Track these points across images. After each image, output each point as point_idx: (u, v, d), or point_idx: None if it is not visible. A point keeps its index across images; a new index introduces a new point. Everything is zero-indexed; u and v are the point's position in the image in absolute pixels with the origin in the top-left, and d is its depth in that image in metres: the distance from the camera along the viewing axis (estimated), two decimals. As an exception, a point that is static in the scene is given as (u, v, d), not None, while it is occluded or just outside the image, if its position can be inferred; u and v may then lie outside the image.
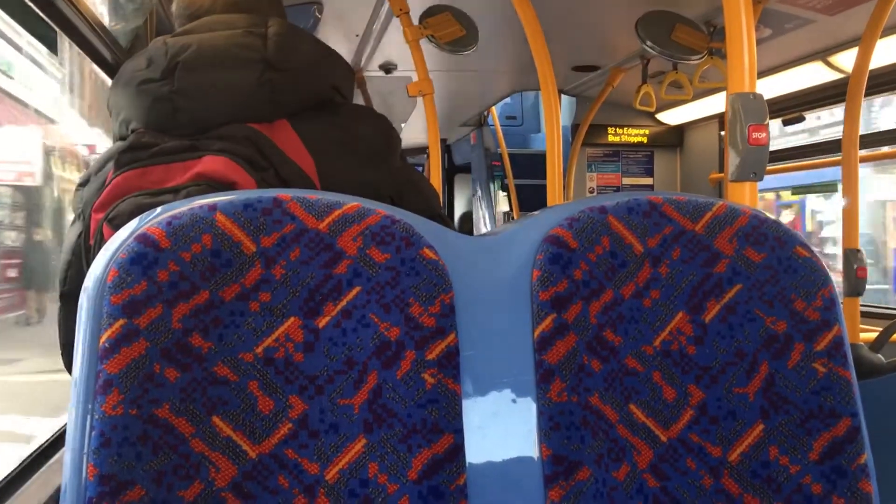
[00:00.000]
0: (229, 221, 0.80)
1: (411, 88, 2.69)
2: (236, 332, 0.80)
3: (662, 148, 4.76)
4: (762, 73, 3.28)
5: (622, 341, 0.87)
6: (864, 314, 2.89)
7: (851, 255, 2.62)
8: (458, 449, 0.80)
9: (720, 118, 4.26)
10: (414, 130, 5.51)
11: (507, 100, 5.51)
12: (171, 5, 1.36)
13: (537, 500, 0.80)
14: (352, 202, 0.84)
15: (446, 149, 6.84)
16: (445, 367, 0.81)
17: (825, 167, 3.72)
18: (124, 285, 0.76)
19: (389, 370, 0.80)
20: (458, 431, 0.80)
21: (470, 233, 4.44)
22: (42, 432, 1.84)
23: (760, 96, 1.32)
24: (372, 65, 3.80)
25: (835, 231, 7.85)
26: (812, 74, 3.26)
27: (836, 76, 3.17)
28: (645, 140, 4.73)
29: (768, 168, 1.33)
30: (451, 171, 7.11)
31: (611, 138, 4.73)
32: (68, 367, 1.13)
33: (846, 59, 2.97)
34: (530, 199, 5.13)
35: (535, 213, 0.93)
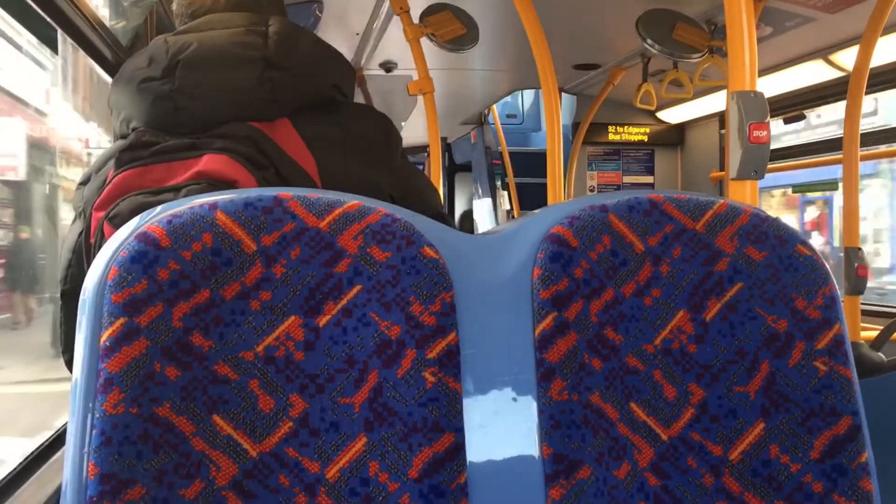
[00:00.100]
0: (230, 220, 0.80)
1: (412, 87, 2.70)
2: (237, 331, 0.80)
3: (663, 146, 4.76)
4: (763, 72, 3.28)
5: (623, 340, 0.87)
6: (865, 313, 2.89)
7: (852, 254, 2.62)
8: (459, 448, 0.80)
9: (721, 116, 4.25)
10: (414, 129, 5.50)
11: (508, 98, 5.51)
12: (171, 4, 1.36)
13: (538, 498, 0.80)
14: (352, 201, 0.84)
15: (447, 147, 6.84)
16: (446, 365, 0.81)
17: (826, 165, 3.72)
18: (125, 284, 0.76)
19: (390, 369, 0.80)
20: (459, 430, 0.80)
21: (470, 231, 4.44)
22: (9, 457, 1.67)
23: (761, 94, 1.31)
24: (372, 63, 3.80)
25: (867, 228, 7.69)
26: (813, 73, 3.26)
27: (837, 74, 3.17)
28: (645, 138, 4.73)
29: (769, 166, 1.33)
30: (452, 170, 7.10)
31: (611, 137, 4.73)
32: (69, 365, 1.13)
33: (847, 58, 2.97)
34: (531, 197, 5.13)
35: (536, 211, 0.93)
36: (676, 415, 0.87)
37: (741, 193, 1.33)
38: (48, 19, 1.68)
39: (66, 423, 0.77)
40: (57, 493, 1.42)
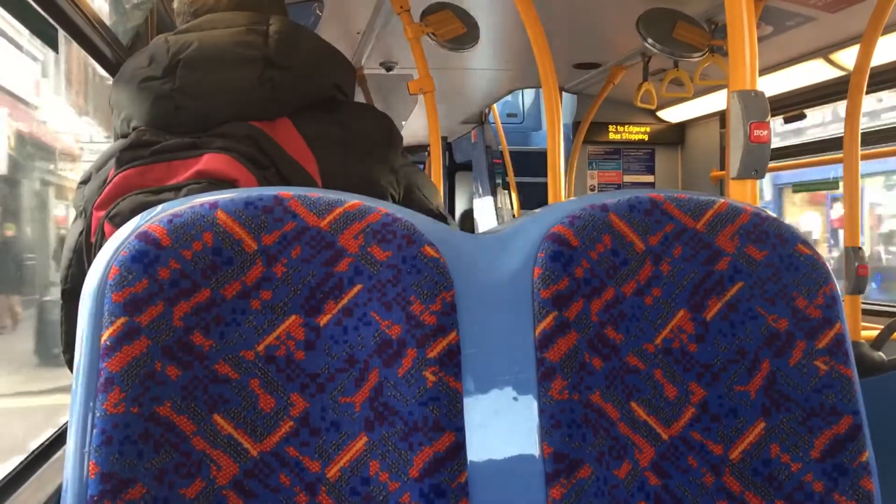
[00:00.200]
0: (230, 219, 0.80)
1: (412, 86, 2.69)
2: (237, 330, 0.80)
3: (663, 145, 4.76)
4: (763, 71, 3.28)
5: (623, 339, 0.87)
6: (866, 312, 2.89)
7: (853, 253, 2.62)
8: (460, 447, 0.80)
9: (721, 116, 4.25)
10: (415, 128, 5.50)
11: (508, 97, 5.50)
12: (172, 3, 1.35)
13: (538, 498, 0.80)
14: (353, 200, 0.84)
15: (447, 147, 6.84)
16: (447, 364, 0.81)
17: (827, 164, 3.72)
18: (125, 283, 0.76)
19: (391, 368, 0.80)
20: (460, 429, 0.80)
21: (471, 231, 4.44)
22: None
23: (762, 94, 1.31)
24: (373, 62, 3.80)
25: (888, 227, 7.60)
26: (813, 72, 3.26)
27: (838, 73, 3.16)
28: (646, 138, 4.73)
29: (770, 165, 1.33)
30: (452, 169, 7.10)
31: (612, 136, 4.72)
32: (70, 364, 1.13)
33: (847, 57, 2.97)
34: (531, 196, 5.13)
35: (537, 210, 0.93)
36: (677, 414, 0.87)
37: (742, 193, 1.33)
38: (49, 19, 1.68)
39: (66, 423, 0.77)
40: (57, 493, 1.43)
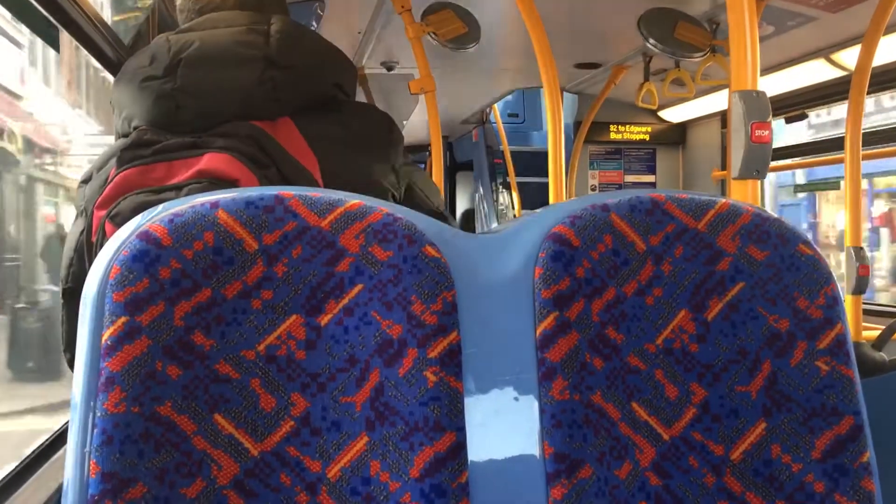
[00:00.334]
0: (231, 219, 0.80)
1: (413, 86, 2.70)
2: (238, 330, 0.80)
3: (665, 145, 4.76)
4: (765, 71, 3.27)
5: (624, 339, 0.86)
6: (867, 312, 2.89)
7: (854, 253, 2.62)
8: (460, 447, 0.80)
9: (723, 116, 4.25)
10: (416, 128, 5.50)
11: (509, 97, 5.50)
12: (173, 1, 1.35)
13: (539, 498, 0.80)
14: (354, 200, 0.84)
15: (448, 146, 6.84)
16: (447, 364, 0.81)
17: (828, 164, 3.71)
18: (126, 283, 0.76)
19: (391, 368, 0.80)
20: (461, 429, 0.80)
21: (472, 230, 4.43)
22: None
23: (763, 94, 1.31)
24: (374, 62, 3.80)
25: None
26: (815, 72, 3.26)
27: (839, 74, 3.16)
28: (647, 137, 4.73)
29: (771, 165, 1.33)
30: (453, 169, 7.10)
31: (613, 136, 4.72)
32: (71, 364, 1.13)
33: (849, 57, 2.97)
34: (532, 196, 5.13)
35: (538, 210, 0.93)
36: (678, 414, 0.87)
37: (743, 193, 1.33)
38: (50, 18, 1.68)
39: (67, 422, 0.77)
40: (58, 492, 1.43)
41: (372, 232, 0.82)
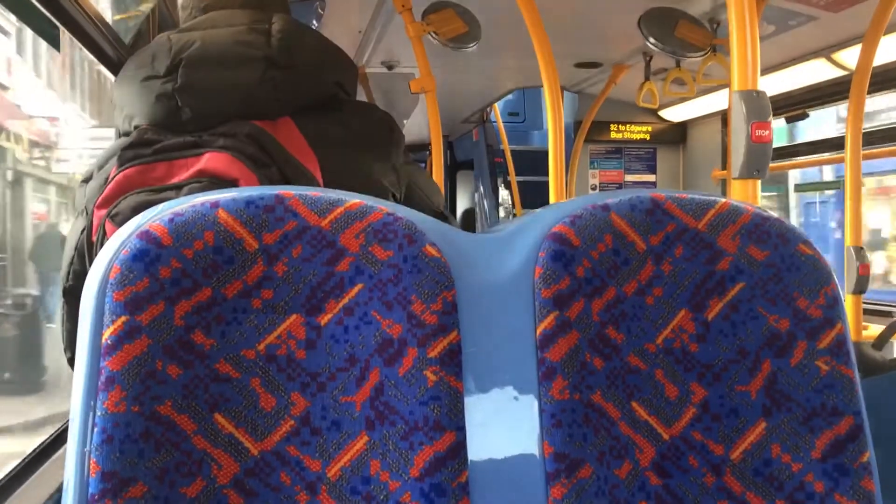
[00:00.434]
0: (231, 218, 0.80)
1: (413, 85, 2.70)
2: (238, 330, 0.80)
3: (665, 145, 4.76)
4: (765, 71, 3.27)
5: (624, 339, 0.86)
6: (867, 312, 2.89)
7: (854, 253, 2.62)
8: (460, 446, 0.80)
9: (723, 115, 4.25)
10: (416, 127, 5.50)
11: (510, 96, 5.50)
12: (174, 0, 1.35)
13: (539, 497, 0.80)
14: (354, 199, 0.84)
15: (448, 145, 6.84)
16: (447, 364, 0.81)
17: (828, 164, 3.71)
18: (126, 282, 0.76)
19: (391, 367, 0.80)
20: (461, 429, 0.80)
21: (472, 230, 4.44)
22: None
23: (764, 93, 1.32)
24: (374, 61, 3.80)
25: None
26: (815, 71, 3.26)
27: (840, 73, 3.16)
28: (648, 137, 4.73)
29: (772, 165, 1.33)
30: (454, 168, 7.10)
31: (613, 135, 4.73)
32: (71, 363, 1.13)
33: (849, 57, 2.97)
34: (533, 196, 5.13)
35: (538, 210, 0.93)
36: (678, 414, 0.87)
37: (743, 192, 1.33)
38: (51, 17, 1.68)
39: (67, 422, 0.77)
40: (58, 491, 1.43)
41: (372, 231, 0.82)
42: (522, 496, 0.81)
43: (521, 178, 5.40)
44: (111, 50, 1.99)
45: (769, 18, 2.81)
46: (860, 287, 2.61)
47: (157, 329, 0.76)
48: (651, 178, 4.79)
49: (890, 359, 2.20)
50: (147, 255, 0.77)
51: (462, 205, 7.27)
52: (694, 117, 4.51)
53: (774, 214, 0.91)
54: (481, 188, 6.13)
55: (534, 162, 5.02)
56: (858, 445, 0.85)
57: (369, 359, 0.81)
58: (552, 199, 2.43)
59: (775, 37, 2.97)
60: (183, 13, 1.28)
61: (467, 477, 0.79)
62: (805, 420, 0.86)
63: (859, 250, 2.61)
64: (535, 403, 0.82)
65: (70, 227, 1.23)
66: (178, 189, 1.05)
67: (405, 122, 5.39)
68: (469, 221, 6.58)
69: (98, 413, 0.73)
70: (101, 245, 1.05)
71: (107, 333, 0.75)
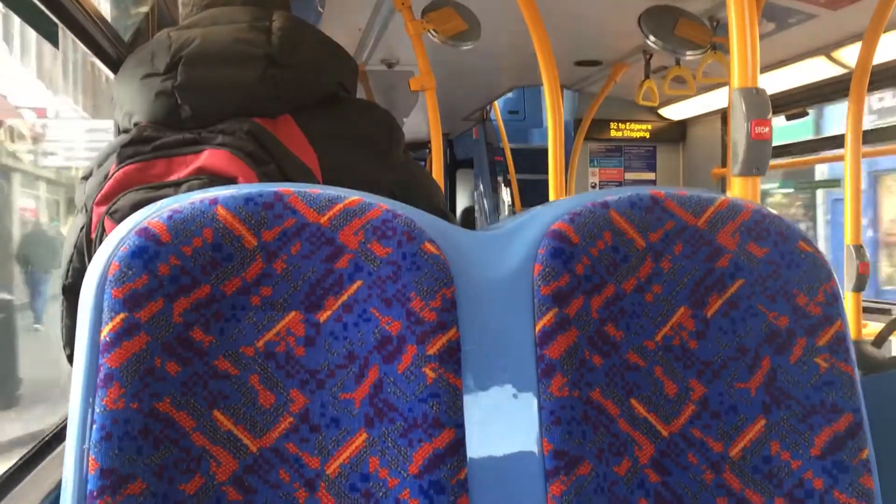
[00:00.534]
0: (230, 215, 0.80)
1: (413, 83, 2.69)
2: (237, 326, 0.80)
3: (665, 143, 4.76)
4: (765, 69, 3.27)
5: (624, 336, 0.86)
6: (867, 310, 2.89)
7: (854, 251, 2.62)
8: (459, 443, 0.80)
9: (723, 113, 4.25)
10: (416, 125, 5.50)
11: (510, 94, 5.50)
12: (173, -2, 1.35)
13: (538, 494, 0.80)
14: (353, 196, 0.84)
15: (448, 144, 6.83)
16: (446, 361, 0.81)
17: (829, 162, 3.71)
18: (125, 279, 0.76)
19: (390, 364, 0.80)
20: (459, 426, 0.80)
21: (472, 227, 4.44)
22: None
23: (763, 91, 1.31)
24: (374, 59, 3.80)
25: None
26: (815, 69, 3.26)
27: (840, 71, 3.16)
28: (647, 135, 4.73)
29: (771, 163, 1.33)
30: (454, 166, 7.10)
31: (613, 133, 4.73)
32: (71, 360, 1.13)
33: (849, 55, 2.97)
34: (532, 193, 5.13)
35: (537, 207, 0.93)
36: (677, 411, 0.87)
37: (743, 190, 1.33)
38: (49, 14, 1.68)
39: (66, 419, 0.77)
40: (57, 488, 1.43)
41: (371, 228, 0.82)
42: (521, 493, 0.81)
43: (520, 177, 5.40)
44: (110, 48, 1.99)
45: (769, 16, 2.81)
46: (860, 285, 2.61)
47: (156, 326, 0.76)
48: (651, 176, 4.79)
49: (889, 356, 2.20)
50: (146, 252, 0.77)
51: (462, 203, 7.27)
52: (693, 115, 4.51)
53: (774, 212, 0.91)
54: (481, 186, 6.13)
55: (534, 160, 5.02)
56: (858, 442, 0.85)
57: (368, 356, 0.81)
58: (552, 197, 2.43)
59: (775, 35, 2.97)
60: (184, 10, 1.27)
61: (466, 474, 0.79)
62: (804, 417, 0.86)
63: (859, 248, 2.62)
64: (535, 400, 0.82)
65: (69, 225, 1.23)
66: (177, 186, 1.05)
67: (405, 120, 5.39)
68: (469, 219, 6.58)
69: (97, 410, 0.73)
70: (101, 242, 1.05)
71: (105, 330, 0.75)
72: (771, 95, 1.33)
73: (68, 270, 1.17)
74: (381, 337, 0.81)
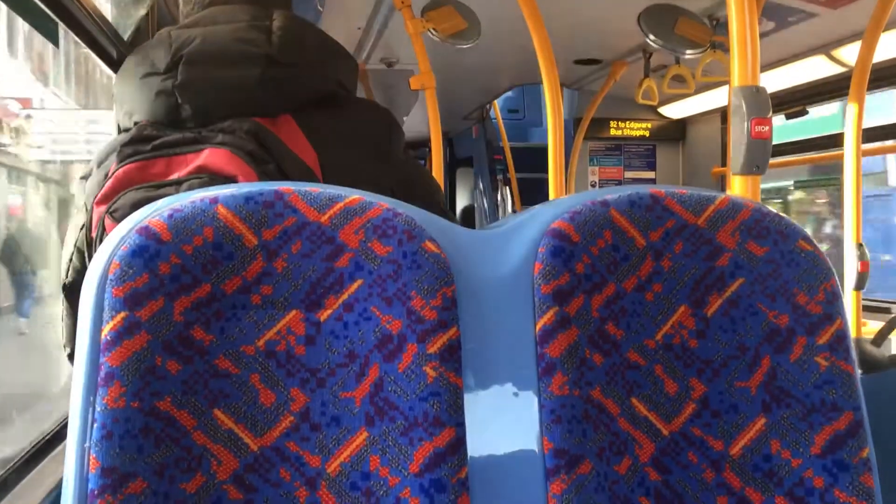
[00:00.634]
0: (231, 214, 0.80)
1: (413, 82, 2.69)
2: (238, 325, 0.80)
3: (665, 142, 4.76)
4: (765, 67, 3.27)
5: (624, 335, 0.87)
6: (867, 308, 2.89)
7: (854, 250, 2.62)
8: (460, 442, 0.80)
9: (723, 112, 4.25)
10: (416, 124, 5.50)
11: (510, 93, 5.51)
12: (173, -3, 1.35)
13: (538, 493, 0.80)
14: (353, 195, 0.84)
15: (448, 142, 6.84)
16: (447, 360, 0.81)
17: (828, 161, 3.72)
18: (126, 278, 0.76)
19: (391, 363, 0.80)
20: (460, 425, 0.80)
21: (472, 226, 4.44)
22: None
23: (763, 90, 1.31)
24: (374, 58, 3.80)
25: None
26: (815, 68, 3.26)
27: (840, 70, 3.16)
28: (647, 134, 4.73)
29: (770, 162, 1.33)
30: (453, 165, 7.10)
31: (613, 132, 4.73)
32: (71, 359, 1.13)
33: (849, 53, 2.97)
34: (532, 192, 5.13)
35: (537, 206, 0.93)
36: (677, 410, 0.87)
37: (743, 189, 1.33)
38: (49, 13, 1.68)
39: (66, 417, 0.77)
40: (58, 487, 1.43)
41: (371, 227, 0.82)
42: (522, 492, 0.81)
43: (520, 175, 5.41)
44: (110, 46, 1.99)
45: (769, 15, 2.81)
46: (860, 283, 2.61)
47: (157, 325, 0.76)
48: (650, 174, 4.79)
49: (889, 355, 2.20)
50: (146, 251, 0.77)
51: (462, 202, 7.27)
52: (693, 114, 4.51)
53: (774, 210, 0.91)
54: (481, 185, 6.13)
55: (533, 159, 5.02)
56: (858, 441, 0.85)
57: (369, 354, 0.81)
58: (552, 196, 2.43)
59: (775, 33, 2.97)
60: (185, 7, 1.27)
61: (467, 473, 0.79)
62: (804, 416, 0.86)
63: (859, 247, 2.62)
64: (535, 399, 0.82)
65: (69, 224, 1.23)
66: (177, 185, 1.05)
67: (405, 118, 5.40)
68: (469, 218, 6.58)
69: (97, 409, 0.73)
70: (101, 241, 1.05)
71: (106, 329, 0.75)
72: (770, 94, 1.33)
73: (68, 269, 1.17)
74: (382, 336, 0.81)
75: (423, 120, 3.51)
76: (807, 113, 3.67)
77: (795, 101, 3.60)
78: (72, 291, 1.17)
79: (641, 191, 0.89)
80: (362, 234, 0.82)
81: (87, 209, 1.13)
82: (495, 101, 5.44)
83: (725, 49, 2.68)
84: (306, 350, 0.81)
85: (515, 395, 0.83)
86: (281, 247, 0.81)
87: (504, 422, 0.82)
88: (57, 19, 1.72)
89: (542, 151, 2.52)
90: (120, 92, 1.19)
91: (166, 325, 0.77)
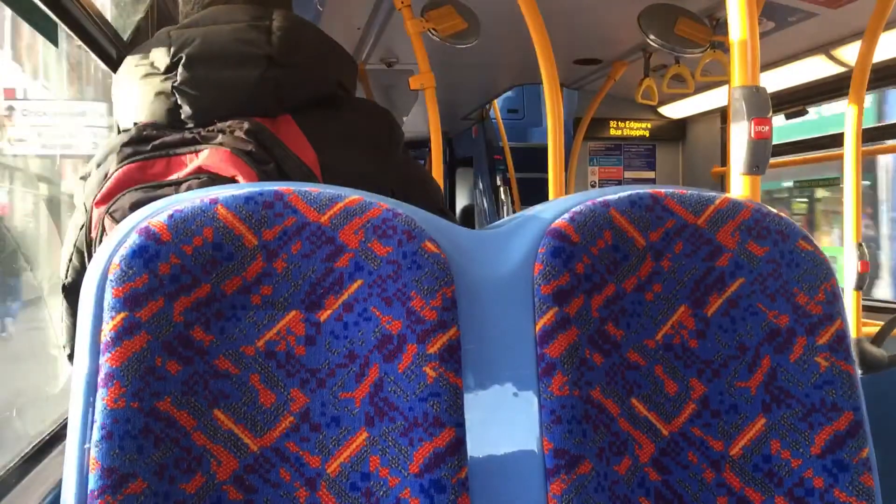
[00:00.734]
0: (231, 214, 0.80)
1: (413, 82, 2.69)
2: (238, 326, 0.80)
3: (664, 142, 4.76)
4: (765, 67, 3.27)
5: (624, 335, 0.86)
6: (867, 308, 2.89)
7: (854, 250, 2.62)
8: (460, 442, 0.80)
9: (723, 112, 4.25)
10: (415, 124, 5.50)
11: (510, 93, 5.50)
12: (173, -3, 1.35)
13: (538, 493, 0.80)
14: (353, 195, 0.84)
15: (448, 142, 6.83)
16: (447, 360, 0.81)
17: (828, 161, 3.71)
18: (126, 278, 0.76)
19: (391, 363, 0.80)
20: (460, 425, 0.80)
21: (472, 226, 4.43)
22: None
23: (763, 90, 1.31)
24: (373, 58, 3.79)
25: None
26: (815, 68, 3.25)
27: (840, 70, 3.16)
28: (647, 134, 4.73)
29: (770, 162, 1.33)
30: (453, 165, 7.10)
31: (612, 132, 4.72)
32: (71, 359, 1.13)
33: (849, 53, 2.97)
34: (532, 192, 5.13)
35: (537, 206, 0.93)
36: (677, 410, 0.87)
37: (743, 189, 1.33)
38: (49, 13, 1.68)
39: (66, 418, 0.77)
40: (58, 487, 1.43)
41: (371, 227, 0.82)
42: (522, 492, 0.81)
43: (520, 175, 5.40)
44: (110, 46, 1.99)
45: (769, 15, 2.81)
46: (860, 283, 2.61)
47: (157, 325, 0.76)
48: (650, 174, 4.79)
49: (889, 355, 2.20)
50: (146, 251, 0.77)
51: (461, 202, 7.26)
52: (693, 114, 4.51)
53: (774, 210, 0.91)
54: (480, 185, 6.13)
55: (533, 159, 5.02)
56: (858, 441, 0.85)
57: (369, 355, 0.81)
58: (551, 196, 2.42)
59: (775, 33, 2.97)
60: (185, 7, 1.27)
61: (467, 473, 0.79)
62: (804, 416, 0.86)
63: (859, 247, 2.62)
64: (535, 400, 0.82)
65: (69, 224, 1.23)
66: (177, 185, 1.05)
67: (404, 118, 5.39)
68: (468, 218, 6.58)
69: (98, 409, 0.73)
70: (101, 241, 1.05)
71: (106, 329, 0.75)
72: (770, 94, 1.33)
73: (68, 270, 1.17)
74: (382, 336, 0.81)
75: (423, 120, 3.50)
76: (807, 112, 3.67)
77: (795, 101, 3.60)
78: (71, 292, 1.17)
79: (641, 191, 0.89)
80: (362, 235, 0.82)
81: (86, 209, 1.13)
82: (495, 101, 5.44)
83: (725, 49, 2.68)
84: (306, 350, 0.81)
85: (515, 395, 0.83)
86: (281, 247, 0.81)
87: (504, 422, 0.82)
88: (57, 19, 1.72)
89: (542, 151, 2.52)
90: (119, 92, 1.19)
91: (166, 325, 0.76)
